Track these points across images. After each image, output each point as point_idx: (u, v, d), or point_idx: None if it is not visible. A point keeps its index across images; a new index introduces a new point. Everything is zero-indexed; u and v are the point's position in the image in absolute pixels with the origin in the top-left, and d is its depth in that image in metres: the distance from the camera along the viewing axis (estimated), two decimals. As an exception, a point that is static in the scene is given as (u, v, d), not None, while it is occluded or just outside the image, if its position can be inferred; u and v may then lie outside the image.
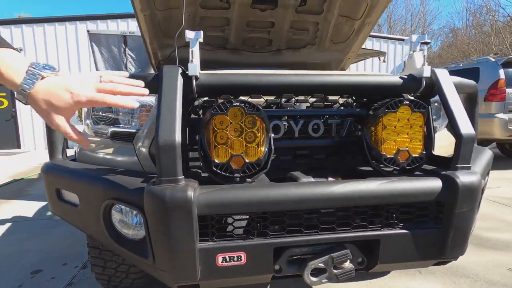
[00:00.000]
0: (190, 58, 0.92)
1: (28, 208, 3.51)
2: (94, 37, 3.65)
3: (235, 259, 0.85)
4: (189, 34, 0.93)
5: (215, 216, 0.84)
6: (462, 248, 0.94)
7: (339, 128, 1.08)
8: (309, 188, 0.85)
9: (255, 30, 2.18)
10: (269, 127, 0.92)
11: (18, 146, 9.11)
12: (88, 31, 3.66)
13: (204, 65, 2.32)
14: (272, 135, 0.95)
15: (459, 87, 1.37)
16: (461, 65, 5.75)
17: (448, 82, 1.01)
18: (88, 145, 0.80)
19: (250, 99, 0.99)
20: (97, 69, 3.63)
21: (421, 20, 22.97)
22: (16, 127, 9.08)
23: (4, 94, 9.23)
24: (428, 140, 1.00)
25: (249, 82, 0.97)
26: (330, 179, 0.98)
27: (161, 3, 1.85)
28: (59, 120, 0.58)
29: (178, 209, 0.76)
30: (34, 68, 0.56)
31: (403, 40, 11.70)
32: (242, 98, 0.99)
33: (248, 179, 0.91)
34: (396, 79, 1.03)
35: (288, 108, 1.08)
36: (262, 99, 1.05)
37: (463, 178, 0.89)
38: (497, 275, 1.96)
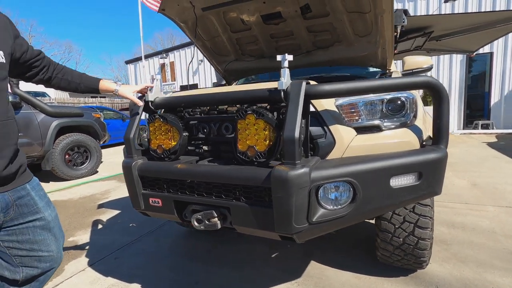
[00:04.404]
0: (148, 92, 1.63)
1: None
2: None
3: (157, 202, 1.53)
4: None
5: (148, 177, 1.56)
6: (287, 227, 1.17)
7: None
8: (186, 166, 1.40)
9: (280, 39, 2.54)
10: (180, 129, 1.51)
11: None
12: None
13: (254, 72, 2.96)
14: (185, 134, 1.53)
15: (412, 86, 1.36)
16: None
17: (296, 93, 1.20)
18: (139, 104, 1.60)
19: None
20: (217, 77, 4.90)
21: None
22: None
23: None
24: (274, 139, 1.24)
25: (175, 100, 1.58)
26: (215, 164, 1.45)
27: (205, 34, 2.62)
28: (130, 97, 1.55)
29: (126, 171, 1.54)
30: (116, 83, 1.54)
31: None
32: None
33: (170, 159, 1.55)
34: (263, 92, 1.32)
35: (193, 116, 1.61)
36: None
37: (275, 171, 1.14)
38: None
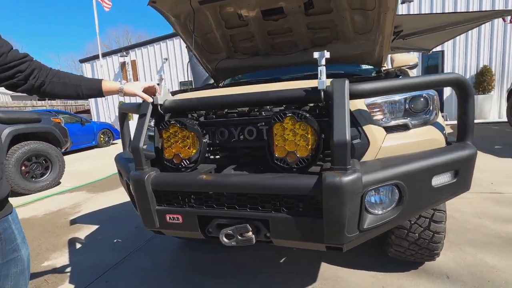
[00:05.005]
0: (157, 94, 1.43)
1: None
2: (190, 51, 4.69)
3: (176, 219, 1.35)
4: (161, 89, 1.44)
5: (164, 191, 1.37)
6: (339, 237, 1.09)
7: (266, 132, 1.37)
8: (214, 177, 1.25)
9: (277, 36, 2.45)
10: (200, 136, 1.35)
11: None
12: (186, 46, 4.72)
13: (246, 70, 2.81)
14: (205, 140, 1.37)
15: (433, 83, 1.33)
16: None
17: (339, 93, 1.12)
18: (150, 100, 1.42)
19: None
20: (194, 76, 4.66)
21: None
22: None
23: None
24: (317, 144, 1.16)
25: (191, 103, 1.41)
26: (244, 172, 1.32)
27: (197, 30, 2.43)
28: (137, 92, 1.36)
29: (137, 185, 1.34)
30: (120, 82, 1.32)
31: None
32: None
33: (187, 169, 1.38)
34: (300, 92, 1.22)
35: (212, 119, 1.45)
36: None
37: (328, 177, 1.05)
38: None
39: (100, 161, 7.87)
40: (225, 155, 1.51)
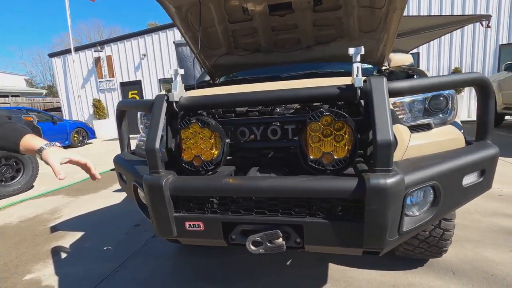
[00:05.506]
0: (173, 90, 1.31)
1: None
2: (179, 47, 4.50)
3: (196, 226, 1.25)
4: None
5: (183, 196, 1.25)
6: (380, 241, 1.05)
7: (293, 132, 1.30)
8: (237, 181, 1.15)
9: (281, 32, 2.38)
10: (223, 135, 1.25)
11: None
12: (174, 42, 4.52)
13: (245, 67, 2.70)
14: (228, 140, 1.28)
15: (460, 83, 1.32)
16: None
17: (379, 91, 1.07)
18: (60, 177, 1.01)
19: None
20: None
21: None
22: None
23: (136, 91, 12.04)
24: (354, 143, 1.10)
25: (207, 101, 1.31)
26: (272, 175, 1.24)
27: (198, 24, 2.30)
28: (50, 163, 1.00)
29: (153, 190, 1.21)
30: (50, 143, 1.04)
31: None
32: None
33: (208, 172, 1.27)
34: (334, 90, 1.16)
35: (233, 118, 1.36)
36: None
37: (372, 179, 1.00)
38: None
39: (76, 162, 7.38)
40: (243, 156, 1.42)
